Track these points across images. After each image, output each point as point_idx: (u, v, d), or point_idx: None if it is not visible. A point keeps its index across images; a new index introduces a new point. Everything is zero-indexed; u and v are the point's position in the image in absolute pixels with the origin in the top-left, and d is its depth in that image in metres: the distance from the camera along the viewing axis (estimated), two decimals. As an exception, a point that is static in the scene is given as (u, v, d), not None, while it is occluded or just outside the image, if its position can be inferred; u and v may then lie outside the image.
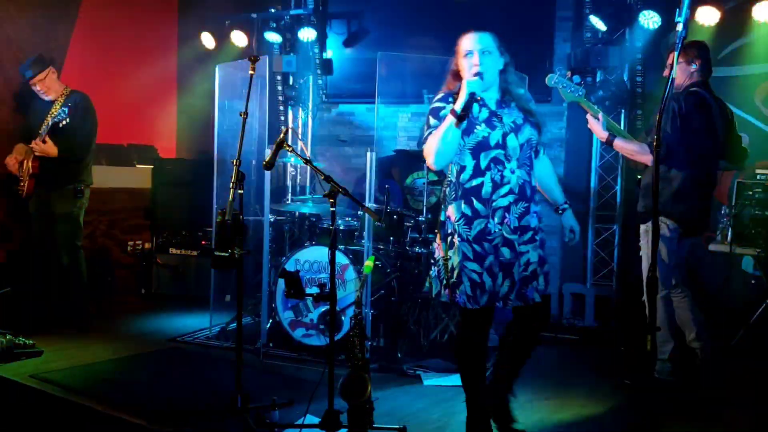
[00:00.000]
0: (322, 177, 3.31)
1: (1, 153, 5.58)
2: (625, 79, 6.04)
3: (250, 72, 3.53)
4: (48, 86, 5.37)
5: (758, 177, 5.34)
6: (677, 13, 2.39)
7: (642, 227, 4.22)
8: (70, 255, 5.39)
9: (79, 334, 5.23)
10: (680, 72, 4.05)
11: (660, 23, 5.77)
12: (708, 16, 5.58)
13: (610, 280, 6.23)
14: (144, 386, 4.16)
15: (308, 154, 6.39)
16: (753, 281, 5.31)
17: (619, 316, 5.88)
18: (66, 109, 5.26)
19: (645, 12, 5.67)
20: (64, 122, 5.23)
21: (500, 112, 3.15)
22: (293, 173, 6.99)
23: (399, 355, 4.80)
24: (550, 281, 3.25)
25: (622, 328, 5.58)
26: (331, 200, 3.27)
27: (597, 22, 5.84)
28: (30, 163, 5.28)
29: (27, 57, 5.85)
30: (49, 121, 5.29)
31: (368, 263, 3.39)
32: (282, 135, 3.41)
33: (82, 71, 5.56)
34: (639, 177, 4.36)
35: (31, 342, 4.61)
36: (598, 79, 6.07)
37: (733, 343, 4.86)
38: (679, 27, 2.38)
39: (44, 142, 5.16)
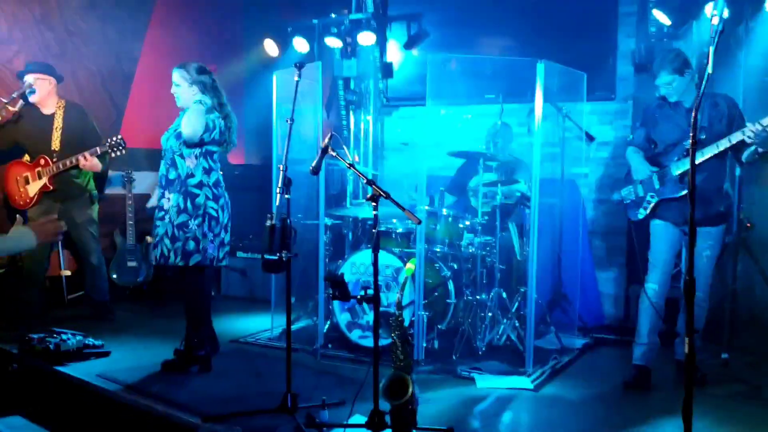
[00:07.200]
0: (365, 181, 3.34)
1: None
2: (694, 73, 5.83)
3: (296, 78, 3.61)
4: (42, 93, 5.44)
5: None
6: (714, 6, 2.30)
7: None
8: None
9: (147, 336, 5.46)
10: None
11: (728, 15, 5.55)
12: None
13: (678, 281, 5.99)
14: (202, 385, 4.29)
15: (356, 158, 6.45)
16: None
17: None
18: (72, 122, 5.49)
19: (711, 4, 5.46)
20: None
21: None
22: (355, 178, 7.03)
23: (454, 357, 4.79)
24: None
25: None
26: (374, 203, 3.29)
27: (661, 17, 5.66)
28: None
29: (100, 70, 6.09)
30: (57, 133, 5.47)
31: (409, 266, 3.40)
32: (326, 140, 3.47)
33: (152, 80, 5.79)
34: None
35: (100, 342, 4.81)
36: (664, 75, 5.87)
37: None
38: (715, 20, 2.29)
39: (85, 159, 5.36)
